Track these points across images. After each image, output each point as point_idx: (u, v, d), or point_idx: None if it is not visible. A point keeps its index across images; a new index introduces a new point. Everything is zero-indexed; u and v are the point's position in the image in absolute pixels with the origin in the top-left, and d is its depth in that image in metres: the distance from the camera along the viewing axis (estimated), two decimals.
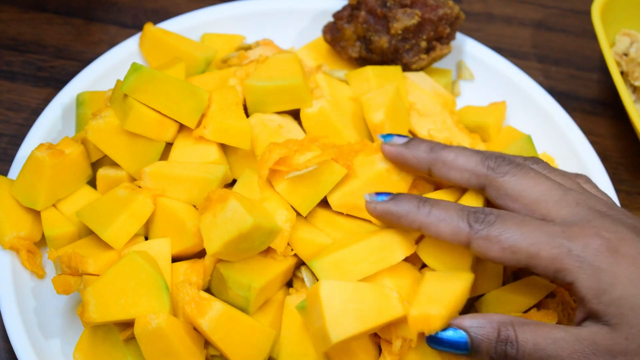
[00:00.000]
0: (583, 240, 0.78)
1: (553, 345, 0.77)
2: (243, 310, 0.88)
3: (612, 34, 1.18)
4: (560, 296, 0.96)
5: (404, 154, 0.89)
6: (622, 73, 1.17)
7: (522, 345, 0.78)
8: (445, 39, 1.09)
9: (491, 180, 0.84)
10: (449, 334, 0.80)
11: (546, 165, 0.88)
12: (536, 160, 0.88)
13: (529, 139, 1.03)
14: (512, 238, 0.79)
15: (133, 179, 0.96)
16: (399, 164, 0.90)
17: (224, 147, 0.97)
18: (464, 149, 0.87)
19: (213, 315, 0.85)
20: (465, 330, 0.80)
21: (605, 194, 0.89)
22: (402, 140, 0.90)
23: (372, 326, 0.82)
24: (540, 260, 0.79)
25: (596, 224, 0.80)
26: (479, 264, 0.92)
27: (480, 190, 0.86)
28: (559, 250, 0.78)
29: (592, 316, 0.78)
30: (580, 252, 0.78)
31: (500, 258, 0.80)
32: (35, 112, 1.11)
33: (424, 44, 1.07)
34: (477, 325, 0.80)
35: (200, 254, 0.92)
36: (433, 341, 0.81)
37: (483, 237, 0.80)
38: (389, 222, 0.86)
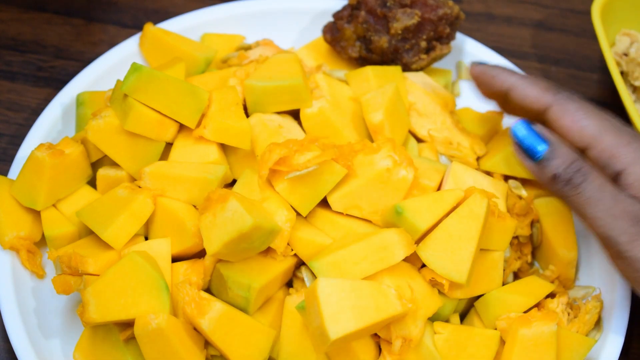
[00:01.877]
0: None
1: (615, 200, 0.83)
2: (243, 310, 0.88)
3: (612, 34, 1.18)
4: (560, 296, 0.96)
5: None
6: (622, 73, 1.17)
7: (590, 180, 0.83)
8: (445, 39, 1.09)
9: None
10: (537, 131, 0.86)
11: None
12: None
13: None
14: (586, 116, 0.88)
15: (133, 179, 0.96)
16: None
17: (224, 147, 0.97)
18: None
19: (213, 315, 0.85)
20: (550, 140, 0.85)
21: None
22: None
23: (370, 323, 0.82)
24: (600, 143, 0.86)
25: None
26: (478, 265, 0.92)
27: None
28: (621, 140, 0.87)
29: None
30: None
31: (568, 128, 0.88)
32: (35, 112, 1.11)
33: (423, 44, 1.07)
34: (562, 142, 0.85)
35: (200, 254, 0.92)
36: (523, 125, 0.86)
37: (562, 105, 0.88)
38: (484, 82, 0.94)
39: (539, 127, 0.86)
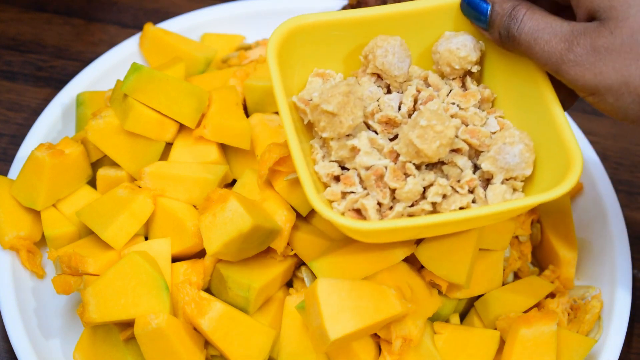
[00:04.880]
0: None
1: (549, 30, 0.78)
2: (243, 310, 0.88)
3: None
4: (560, 296, 0.96)
5: None
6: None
7: (523, 24, 0.79)
8: None
9: None
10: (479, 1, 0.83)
11: None
12: None
13: None
14: None
15: (133, 179, 0.96)
16: None
17: (224, 147, 0.97)
18: None
19: (213, 315, 0.85)
20: (492, 1, 0.82)
21: None
22: None
23: (370, 323, 0.82)
24: None
25: None
26: (478, 265, 0.92)
27: None
28: None
29: (590, 16, 0.78)
30: None
31: None
32: (35, 112, 1.11)
33: None
34: (501, 0, 0.82)
35: (200, 254, 0.92)
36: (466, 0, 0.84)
37: None
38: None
39: None
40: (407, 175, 0.79)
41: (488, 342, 0.90)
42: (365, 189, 0.80)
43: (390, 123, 0.82)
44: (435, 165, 0.82)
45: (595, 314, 0.95)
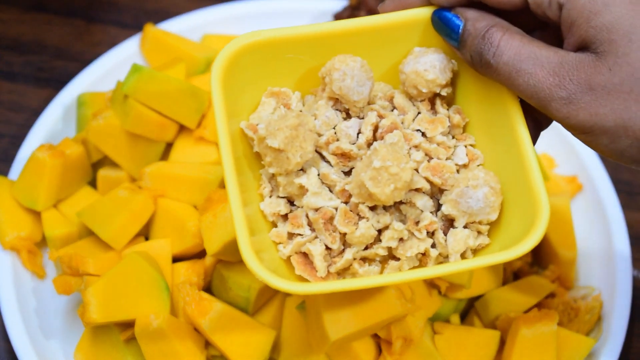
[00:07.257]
0: None
1: (533, 61, 0.69)
2: (243, 310, 0.88)
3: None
4: (560, 296, 0.96)
5: None
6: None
7: (500, 50, 0.70)
8: None
9: None
10: (451, 14, 0.74)
11: None
12: None
13: None
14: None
15: (133, 180, 0.96)
16: None
17: None
18: None
19: (213, 315, 0.85)
20: (465, 19, 0.73)
21: None
22: None
23: (370, 324, 0.82)
24: None
25: None
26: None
27: None
28: None
29: (582, 45, 0.69)
30: None
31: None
32: (36, 113, 1.11)
33: None
34: (475, 17, 0.72)
35: (201, 254, 0.92)
36: (437, 14, 0.74)
37: None
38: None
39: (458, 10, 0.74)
40: (360, 217, 0.71)
41: (488, 342, 0.90)
42: (313, 231, 0.72)
43: (345, 156, 0.73)
44: (394, 204, 0.73)
45: (595, 314, 0.95)
